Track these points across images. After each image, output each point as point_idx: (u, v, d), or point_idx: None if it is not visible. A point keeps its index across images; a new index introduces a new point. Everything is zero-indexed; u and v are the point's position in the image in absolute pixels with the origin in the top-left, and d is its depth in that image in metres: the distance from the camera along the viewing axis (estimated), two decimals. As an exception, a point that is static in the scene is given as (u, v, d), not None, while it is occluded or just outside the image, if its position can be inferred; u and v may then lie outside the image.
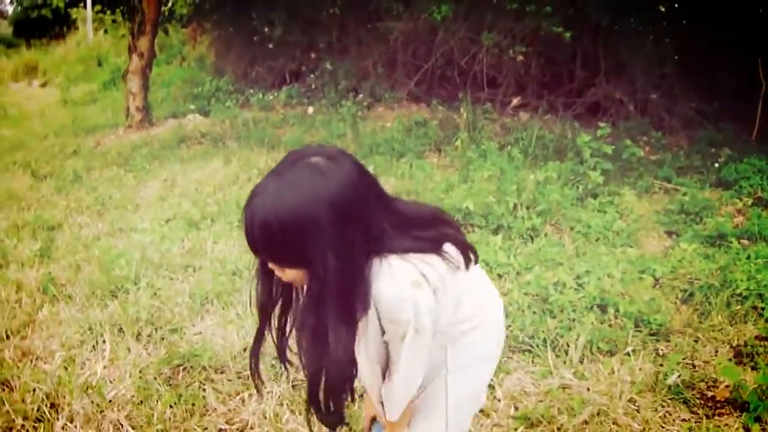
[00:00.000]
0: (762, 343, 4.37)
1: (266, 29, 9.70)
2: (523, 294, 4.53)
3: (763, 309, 4.58)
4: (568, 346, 3.99)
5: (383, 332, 1.67)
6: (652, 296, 4.61)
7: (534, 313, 4.35)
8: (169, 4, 11.35)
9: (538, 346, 4.03)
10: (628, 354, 3.99)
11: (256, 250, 1.57)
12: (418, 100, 9.07)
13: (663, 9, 10.71)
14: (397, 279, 1.59)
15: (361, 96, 9.05)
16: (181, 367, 3.72)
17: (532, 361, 3.96)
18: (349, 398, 1.87)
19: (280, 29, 9.46)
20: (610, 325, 4.26)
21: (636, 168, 7.25)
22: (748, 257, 5.25)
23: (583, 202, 6.24)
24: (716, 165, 7.60)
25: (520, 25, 7.83)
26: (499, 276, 4.89)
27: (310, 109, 9.09)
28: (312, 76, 9.65)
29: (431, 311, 1.66)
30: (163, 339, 4.02)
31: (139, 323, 4.12)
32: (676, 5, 10.35)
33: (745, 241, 5.72)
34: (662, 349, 4.17)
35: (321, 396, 1.68)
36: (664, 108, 8.81)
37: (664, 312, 4.46)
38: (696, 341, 4.28)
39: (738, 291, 4.72)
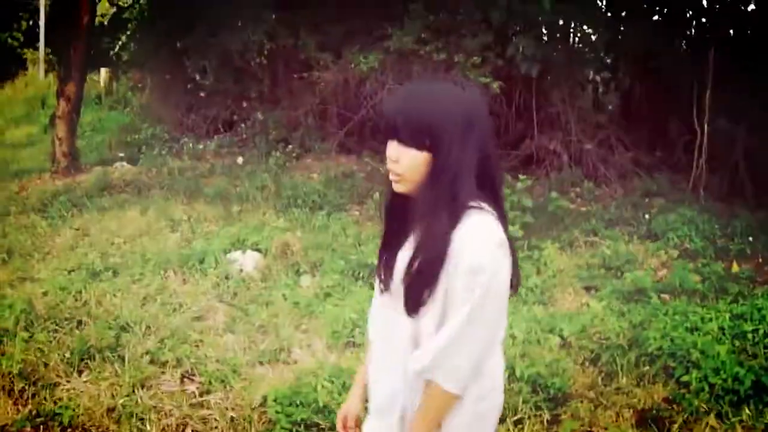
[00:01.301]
0: (670, 406, 4.11)
1: (197, 77, 9.52)
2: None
3: (674, 369, 4.34)
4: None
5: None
6: (556, 358, 4.35)
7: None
8: (116, 49, 11.19)
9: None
10: (517, 422, 3.71)
11: (393, 126, 1.66)
12: (349, 152, 8.88)
13: (608, 60, 10.77)
14: (488, 230, 1.64)
15: (290, 147, 8.85)
16: (42, 426, 3.54)
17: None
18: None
19: (212, 77, 9.29)
20: (503, 390, 3.97)
21: (562, 220, 7.07)
22: (666, 313, 5.03)
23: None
24: (647, 216, 7.45)
25: (448, 76, 7.71)
26: (397, 337, 4.58)
27: (240, 159, 8.87)
28: (243, 125, 9.46)
29: (504, 284, 1.66)
30: (34, 395, 3.80)
31: (11, 377, 3.90)
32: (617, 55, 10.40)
33: (666, 296, 5.50)
34: (560, 415, 3.90)
35: (412, 279, 1.67)
36: (599, 158, 8.70)
37: (566, 374, 4.19)
38: (597, 406, 4.02)
39: (649, 350, 4.47)
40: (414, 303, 1.67)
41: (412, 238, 1.71)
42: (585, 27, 8.98)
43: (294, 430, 3.52)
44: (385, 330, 1.85)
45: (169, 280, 5.62)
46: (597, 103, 9.79)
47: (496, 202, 1.72)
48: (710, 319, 4.87)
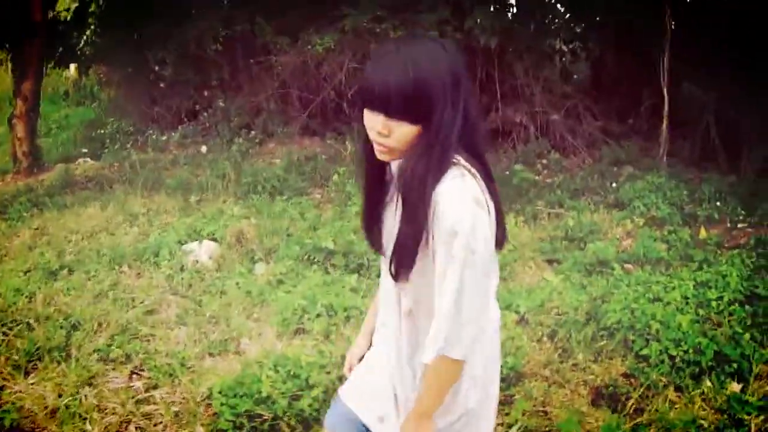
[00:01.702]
0: (628, 381, 4.01)
1: (156, 68, 9.32)
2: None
3: (633, 342, 4.23)
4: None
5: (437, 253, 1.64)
6: (511, 335, 4.23)
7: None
8: (81, 44, 10.95)
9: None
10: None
11: (383, 102, 1.58)
12: (314, 134, 8.72)
13: (577, 29, 10.60)
14: (461, 189, 1.61)
15: (253, 133, 8.68)
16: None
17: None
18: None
19: (171, 68, 9.08)
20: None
21: (526, 193, 6.94)
22: (628, 284, 4.92)
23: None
24: (614, 185, 7.33)
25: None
26: (347, 318, 4.48)
27: (204, 148, 8.70)
28: (205, 114, 9.27)
29: (486, 240, 1.62)
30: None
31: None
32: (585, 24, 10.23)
33: (630, 266, 5.40)
34: (513, 396, 3.79)
35: (398, 254, 1.68)
36: (567, 128, 8.57)
37: (520, 352, 4.08)
38: (552, 384, 3.91)
39: (608, 324, 4.37)
40: (399, 269, 1.70)
41: (396, 202, 1.71)
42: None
43: (237, 422, 3.43)
44: (383, 285, 1.91)
45: (124, 275, 5.48)
46: (564, 73, 9.61)
47: (477, 157, 1.70)
48: (673, 288, 4.78)
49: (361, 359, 2.15)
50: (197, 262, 5.65)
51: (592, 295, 4.78)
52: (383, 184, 1.80)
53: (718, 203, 6.70)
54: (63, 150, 9.91)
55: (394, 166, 1.77)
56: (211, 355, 4.27)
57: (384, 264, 1.83)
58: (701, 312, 4.52)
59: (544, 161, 8.09)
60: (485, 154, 1.76)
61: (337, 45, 7.73)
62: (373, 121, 1.63)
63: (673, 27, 7.91)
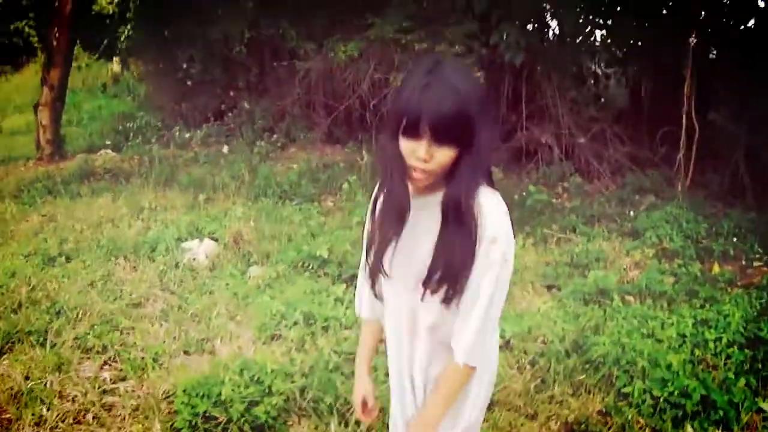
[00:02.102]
0: (604, 419, 3.81)
1: (185, 66, 9.41)
2: (334, 352, 4.01)
3: (617, 379, 4.03)
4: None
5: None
6: (490, 360, 4.09)
7: (342, 374, 3.85)
8: (122, 38, 11.16)
9: (323, 412, 3.53)
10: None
11: (433, 129, 1.59)
12: (337, 141, 8.67)
13: (619, 54, 10.37)
14: (501, 203, 1.71)
15: (275, 136, 8.67)
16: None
17: (315, 429, 3.47)
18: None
19: (199, 67, 9.16)
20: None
21: (540, 215, 6.75)
22: (624, 316, 4.72)
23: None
24: (632, 213, 7.09)
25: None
26: (324, 329, 4.38)
27: (225, 148, 8.72)
28: (230, 114, 9.31)
29: (514, 248, 1.73)
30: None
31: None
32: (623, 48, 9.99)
33: (630, 298, 5.18)
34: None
35: (447, 271, 1.70)
36: (593, 152, 8.34)
37: (497, 379, 3.93)
38: (523, 415, 3.74)
39: (594, 357, 4.18)
40: (455, 288, 1.71)
41: (419, 222, 1.76)
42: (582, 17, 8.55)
43: (194, 421, 3.38)
44: (395, 306, 1.90)
45: (118, 267, 5.51)
46: (593, 95, 9.39)
47: (490, 179, 1.77)
48: (671, 324, 4.57)
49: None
50: (194, 260, 5.64)
51: (584, 325, 4.59)
52: (404, 209, 1.79)
53: (735, 239, 6.40)
54: (89, 140, 10.08)
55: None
56: (186, 353, 4.25)
57: (395, 283, 1.85)
58: (698, 352, 4.30)
59: (565, 184, 7.89)
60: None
61: (363, 53, 7.66)
62: (413, 147, 1.63)
63: (694, 52, 7.64)
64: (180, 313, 4.74)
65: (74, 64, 13.10)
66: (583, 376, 4.02)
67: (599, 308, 4.93)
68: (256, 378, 3.63)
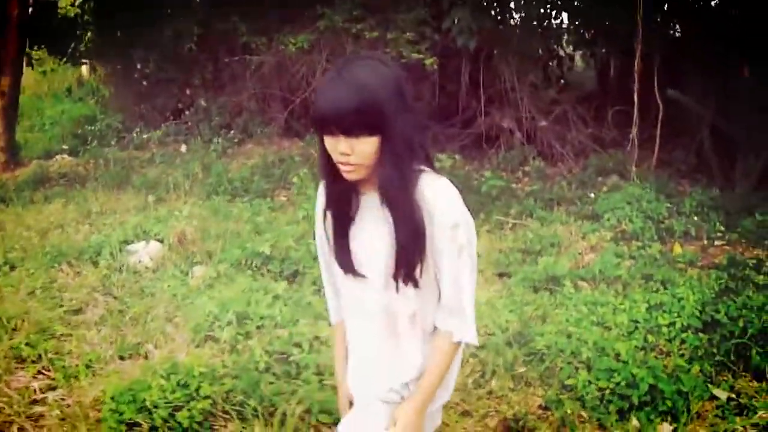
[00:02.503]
0: (545, 413, 3.67)
1: (139, 66, 9.23)
2: (265, 352, 3.87)
3: (560, 370, 3.89)
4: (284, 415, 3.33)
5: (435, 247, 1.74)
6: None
7: (273, 374, 3.71)
8: (84, 41, 10.96)
9: (248, 415, 3.39)
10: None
11: (340, 122, 1.64)
12: (298, 135, 8.49)
13: (587, 35, 10.22)
14: (450, 187, 1.73)
15: (232, 132, 8.51)
16: None
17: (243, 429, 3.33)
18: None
19: (153, 66, 8.97)
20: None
21: (494, 201, 6.59)
22: (575, 304, 4.58)
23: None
24: (592, 195, 6.94)
25: (381, 53, 7.27)
26: (258, 328, 4.23)
27: (183, 147, 8.55)
28: (187, 113, 9.13)
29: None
30: None
31: None
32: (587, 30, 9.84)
33: (584, 283, 5.04)
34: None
35: (404, 251, 1.73)
36: (555, 135, 8.19)
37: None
38: (459, 413, 3.60)
39: (538, 348, 4.04)
40: (409, 274, 1.74)
41: (369, 218, 1.79)
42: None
43: (119, 429, 3.27)
44: (363, 307, 1.89)
45: (62, 274, 5.35)
46: (556, 77, 9.23)
47: (430, 161, 1.78)
48: (623, 310, 4.43)
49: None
50: (139, 262, 5.50)
51: (530, 314, 4.45)
52: (350, 206, 1.83)
53: (696, 218, 6.27)
54: (48, 145, 9.87)
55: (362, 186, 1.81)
56: (121, 358, 4.14)
57: (359, 284, 1.86)
58: (651, 338, 4.17)
59: (526, 168, 7.73)
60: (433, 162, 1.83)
61: (312, 45, 7.48)
62: (334, 144, 1.67)
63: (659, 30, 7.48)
64: (119, 318, 4.60)
65: (39, 69, 12.93)
66: (525, 368, 3.88)
67: (550, 296, 4.80)
68: (182, 382, 3.50)
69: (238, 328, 4.23)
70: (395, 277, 1.77)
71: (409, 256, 1.73)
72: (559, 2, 9.50)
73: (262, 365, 3.79)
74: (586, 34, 10.23)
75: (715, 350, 4.02)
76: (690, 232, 6.03)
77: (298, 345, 4.01)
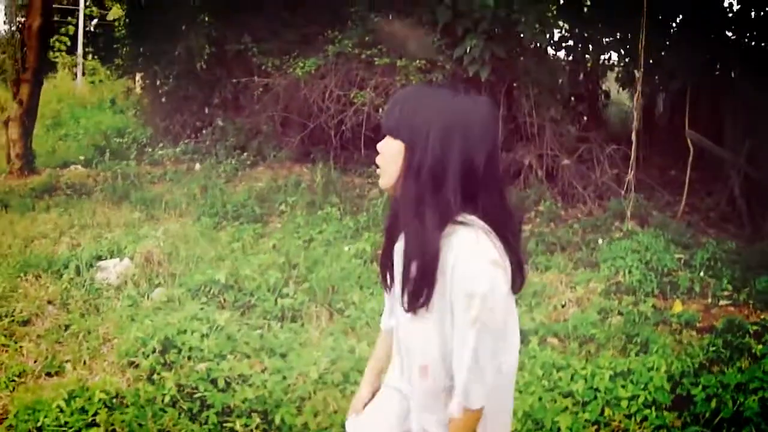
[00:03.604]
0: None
1: (158, 82, 9.31)
2: (177, 385, 3.65)
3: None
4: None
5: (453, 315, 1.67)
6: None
7: (181, 408, 3.50)
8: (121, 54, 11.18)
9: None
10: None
11: (385, 119, 1.72)
12: (315, 161, 8.28)
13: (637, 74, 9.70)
14: (478, 249, 1.63)
15: (245, 154, 8.40)
16: None
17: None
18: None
19: (172, 83, 9.01)
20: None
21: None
22: (532, 366, 4.12)
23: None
24: (600, 242, 6.43)
25: (391, 80, 7.03)
26: (187, 359, 3.99)
27: (197, 166, 8.50)
28: (204, 132, 9.10)
29: (504, 297, 1.65)
30: None
31: None
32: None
33: (553, 340, 4.55)
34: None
35: (413, 278, 1.69)
36: (578, 174, 7.71)
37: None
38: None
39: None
40: (411, 301, 1.69)
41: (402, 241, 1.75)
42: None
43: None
44: (396, 327, 1.87)
45: (25, 283, 5.31)
46: (579, 114, 8.75)
47: (490, 217, 1.68)
48: (583, 377, 3.92)
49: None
50: (106, 279, 5.41)
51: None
52: (396, 227, 1.80)
53: (704, 273, 5.70)
54: (68, 155, 10.00)
55: None
56: (48, 374, 4.05)
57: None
58: (608, 413, 3.67)
59: (540, 208, 7.27)
60: (505, 209, 1.73)
61: (320, 70, 7.31)
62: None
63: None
64: (61, 333, 4.50)
65: (89, 79, 13.32)
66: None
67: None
68: (80, 407, 3.44)
69: (161, 357, 4.02)
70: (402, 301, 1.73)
71: (412, 286, 1.68)
72: (605, 40, 9.10)
73: (168, 399, 3.59)
74: (636, 73, 9.74)
75: (680, 433, 3.51)
76: (694, 288, 5.48)
77: (213, 382, 3.77)
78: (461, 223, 1.66)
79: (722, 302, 5.32)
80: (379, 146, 1.73)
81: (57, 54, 15.04)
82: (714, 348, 4.36)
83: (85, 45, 16.18)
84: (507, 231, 1.72)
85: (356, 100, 7.26)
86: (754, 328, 4.68)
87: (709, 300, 5.36)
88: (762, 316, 5.00)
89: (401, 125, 1.67)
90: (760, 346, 4.39)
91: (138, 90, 14.19)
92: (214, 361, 4.02)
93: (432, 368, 1.76)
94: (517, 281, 1.75)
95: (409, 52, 6.86)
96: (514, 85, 7.62)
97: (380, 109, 7.09)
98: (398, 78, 6.91)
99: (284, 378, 3.81)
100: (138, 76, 14.31)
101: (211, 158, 8.57)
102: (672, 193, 7.95)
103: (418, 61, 6.87)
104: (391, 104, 1.73)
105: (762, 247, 6.24)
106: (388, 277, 1.86)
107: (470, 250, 1.63)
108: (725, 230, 7.03)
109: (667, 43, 8.86)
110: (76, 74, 16.41)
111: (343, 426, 3.42)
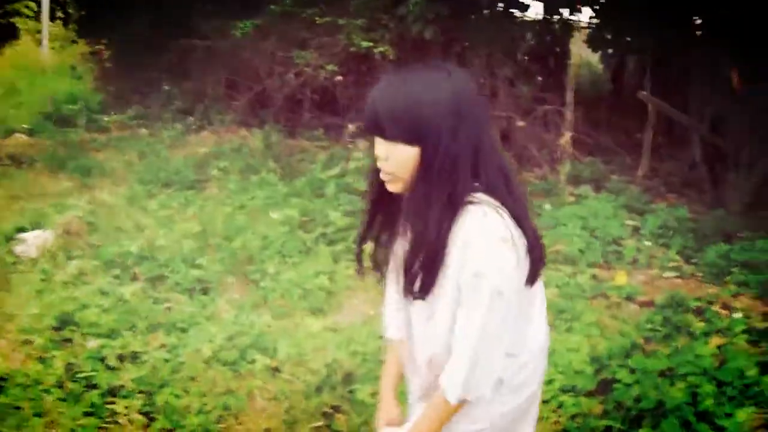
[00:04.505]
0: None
1: (104, 47, 8.99)
2: (67, 363, 3.47)
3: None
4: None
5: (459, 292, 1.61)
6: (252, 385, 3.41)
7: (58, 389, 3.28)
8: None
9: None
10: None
11: (377, 124, 1.59)
12: (263, 123, 7.99)
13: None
14: (487, 227, 1.57)
15: (191, 119, 8.11)
16: None
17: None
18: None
19: (119, 48, 8.69)
20: None
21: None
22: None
23: (310, 251, 4.97)
24: (549, 208, 6.20)
25: (333, 39, 6.72)
26: (83, 336, 3.79)
27: (144, 131, 8.20)
28: (150, 97, 8.79)
29: (515, 277, 1.58)
30: None
31: None
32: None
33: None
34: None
35: (415, 269, 1.62)
36: (534, 137, 7.44)
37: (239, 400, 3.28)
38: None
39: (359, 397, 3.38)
40: (425, 286, 1.62)
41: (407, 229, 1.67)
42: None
43: None
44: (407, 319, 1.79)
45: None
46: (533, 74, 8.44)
47: (502, 194, 1.61)
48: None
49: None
50: (24, 252, 5.17)
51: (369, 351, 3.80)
52: (388, 212, 1.74)
53: (651, 242, 5.47)
54: (18, 123, 9.65)
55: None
56: None
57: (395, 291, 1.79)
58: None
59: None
60: (516, 188, 1.65)
61: (265, 30, 6.99)
62: (374, 145, 1.63)
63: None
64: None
65: (50, 45, 12.89)
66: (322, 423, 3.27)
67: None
68: None
69: (56, 334, 3.81)
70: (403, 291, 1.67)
71: (424, 272, 1.61)
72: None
73: (54, 379, 3.38)
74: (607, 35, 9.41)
75: (598, 423, 3.19)
76: (640, 258, 5.24)
77: (102, 360, 3.57)
78: (468, 201, 1.59)
79: (668, 274, 5.07)
80: (382, 153, 1.61)
81: (19, 19, 14.53)
82: (650, 325, 4.13)
83: (52, 10, 15.67)
84: (515, 204, 1.64)
85: (298, 60, 6.96)
86: (696, 303, 4.38)
87: (655, 271, 5.12)
88: (709, 290, 4.69)
89: (410, 129, 1.55)
90: (702, 324, 4.13)
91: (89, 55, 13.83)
92: (112, 337, 3.81)
93: (434, 360, 1.72)
94: (537, 256, 1.66)
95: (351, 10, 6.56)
96: (465, 44, 7.31)
97: (322, 69, 6.81)
98: (341, 37, 6.59)
99: (177, 356, 3.60)
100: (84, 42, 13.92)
101: (157, 123, 8.27)
102: (635, 157, 7.71)
103: (360, 20, 6.55)
104: (384, 106, 1.57)
105: (719, 214, 5.99)
106: (382, 270, 1.82)
107: (478, 229, 1.57)
108: (686, 196, 6.79)
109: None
110: (41, 41, 15.92)
111: (228, 408, 3.24)
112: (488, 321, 1.57)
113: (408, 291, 1.65)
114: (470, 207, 1.59)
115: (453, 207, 1.58)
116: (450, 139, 1.55)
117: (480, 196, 1.60)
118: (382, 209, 1.76)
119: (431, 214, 1.57)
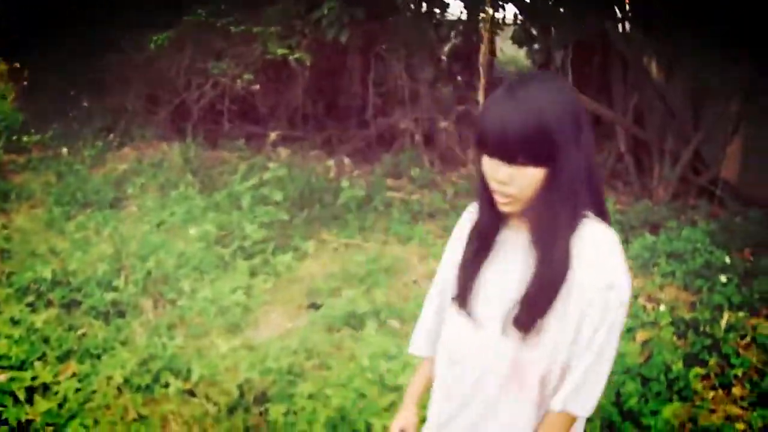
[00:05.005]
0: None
1: (20, 66, 8.75)
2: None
3: None
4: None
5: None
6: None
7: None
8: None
9: None
10: None
11: (508, 151, 1.49)
12: (183, 137, 7.89)
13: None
14: (614, 242, 1.57)
15: (111, 135, 7.96)
16: None
17: None
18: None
19: (32, 67, 8.47)
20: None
21: (345, 215, 5.93)
22: (361, 355, 3.92)
23: (228, 266, 4.94)
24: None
25: (248, 48, 6.70)
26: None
27: (65, 150, 8.02)
28: (70, 115, 8.61)
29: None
30: None
31: None
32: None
33: (395, 323, 4.38)
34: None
35: (532, 296, 1.56)
36: (459, 137, 7.53)
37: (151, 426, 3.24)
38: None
39: (272, 417, 3.37)
40: (530, 320, 1.57)
41: (507, 255, 1.65)
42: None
43: None
44: (475, 352, 1.69)
45: None
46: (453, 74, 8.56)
47: (600, 208, 1.61)
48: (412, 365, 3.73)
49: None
50: None
51: (303, 365, 3.82)
52: (494, 237, 1.67)
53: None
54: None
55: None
56: None
57: (471, 324, 1.68)
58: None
59: (413, 174, 7.06)
60: (600, 192, 1.65)
61: (176, 42, 6.90)
62: (493, 169, 1.52)
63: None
64: None
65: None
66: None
67: (349, 337, 4.16)
68: None
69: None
70: (514, 323, 1.59)
71: (537, 303, 1.56)
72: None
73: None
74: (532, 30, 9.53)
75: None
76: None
77: (12, 394, 3.49)
78: (584, 216, 1.57)
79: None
80: (505, 178, 1.51)
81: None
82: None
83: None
84: (605, 217, 1.64)
85: (215, 71, 6.91)
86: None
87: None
88: (635, 283, 4.79)
89: (542, 151, 1.49)
90: (626, 320, 4.23)
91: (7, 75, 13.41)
92: (23, 368, 3.74)
93: (546, 379, 1.64)
94: None
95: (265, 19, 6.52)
96: (383, 47, 7.35)
97: (239, 78, 6.78)
98: (256, 45, 6.56)
99: (89, 384, 3.55)
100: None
101: (77, 142, 8.07)
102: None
103: (275, 28, 6.52)
104: (515, 131, 1.46)
105: (645, 205, 6.14)
106: (471, 296, 1.68)
107: (606, 243, 1.56)
108: (613, 188, 6.96)
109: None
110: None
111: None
112: (613, 332, 1.57)
113: (527, 314, 1.58)
114: (588, 221, 1.57)
115: (575, 221, 1.56)
116: (575, 152, 1.52)
117: (591, 212, 1.59)
118: (489, 234, 1.68)
119: (559, 231, 1.54)
